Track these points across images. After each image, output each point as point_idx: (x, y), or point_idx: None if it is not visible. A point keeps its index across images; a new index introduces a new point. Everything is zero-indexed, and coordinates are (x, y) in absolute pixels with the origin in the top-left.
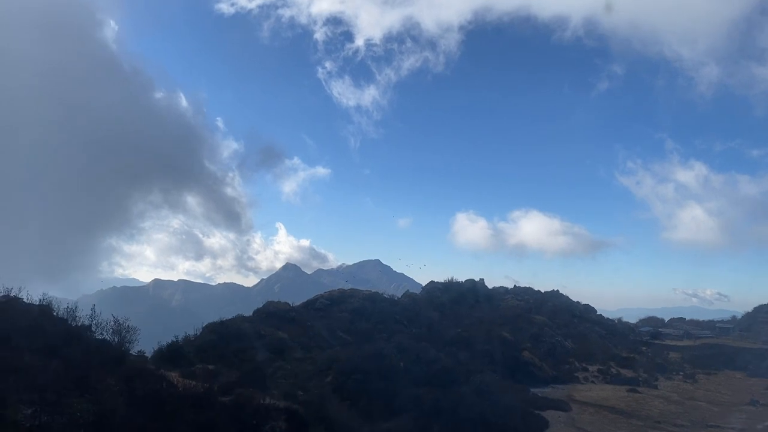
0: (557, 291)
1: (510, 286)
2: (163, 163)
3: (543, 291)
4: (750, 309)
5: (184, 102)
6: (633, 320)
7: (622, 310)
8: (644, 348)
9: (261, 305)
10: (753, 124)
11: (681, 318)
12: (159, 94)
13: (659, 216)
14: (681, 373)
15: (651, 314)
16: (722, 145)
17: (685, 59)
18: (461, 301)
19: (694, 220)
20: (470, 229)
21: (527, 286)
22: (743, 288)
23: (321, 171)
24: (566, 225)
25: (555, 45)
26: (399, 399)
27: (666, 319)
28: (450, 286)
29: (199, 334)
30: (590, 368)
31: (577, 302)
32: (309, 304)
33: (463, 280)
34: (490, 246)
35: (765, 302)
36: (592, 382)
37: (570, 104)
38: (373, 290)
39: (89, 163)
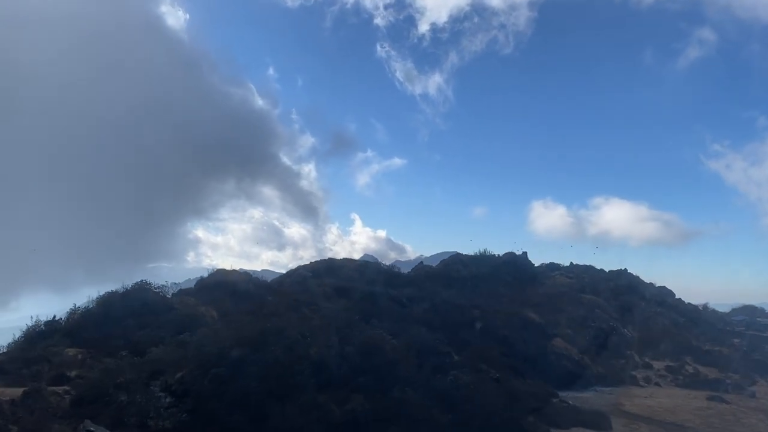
0: (625, 270)
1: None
2: (240, 154)
3: (607, 270)
4: None
5: (257, 95)
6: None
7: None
8: (737, 341)
9: None
10: None
11: None
12: (232, 87)
13: (756, 201)
14: None
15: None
16: None
17: None
18: (493, 277)
19: None
20: (548, 217)
21: (589, 264)
22: None
23: (394, 162)
24: (655, 212)
25: (633, 11)
26: (274, 412)
27: (766, 309)
28: (480, 259)
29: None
30: (655, 365)
31: (650, 283)
32: (286, 277)
33: (501, 254)
34: (571, 234)
35: None
36: (657, 384)
37: (651, 79)
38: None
39: (168, 154)
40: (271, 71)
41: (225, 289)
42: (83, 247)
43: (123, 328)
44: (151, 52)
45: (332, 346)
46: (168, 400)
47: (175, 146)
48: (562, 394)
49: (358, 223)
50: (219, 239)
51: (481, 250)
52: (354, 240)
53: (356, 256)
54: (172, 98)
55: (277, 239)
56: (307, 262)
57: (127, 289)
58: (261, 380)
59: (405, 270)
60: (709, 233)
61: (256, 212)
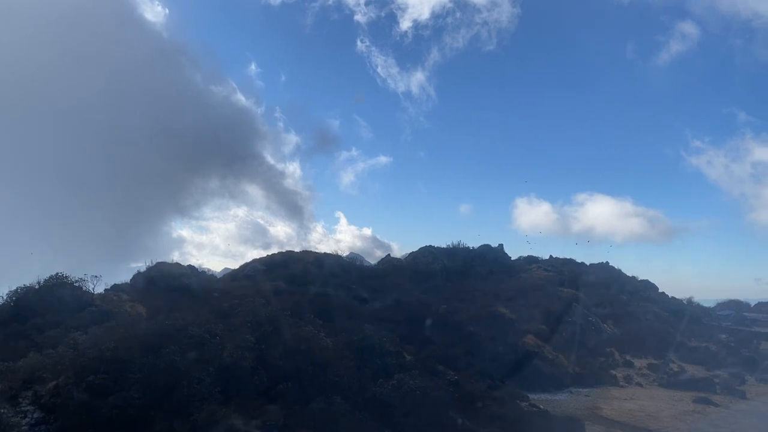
0: (606, 263)
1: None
2: (223, 153)
3: (588, 264)
4: None
5: (240, 93)
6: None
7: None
8: (724, 336)
9: None
10: None
11: None
12: (213, 83)
13: (739, 198)
14: None
15: None
16: None
17: (763, 17)
18: (466, 270)
19: None
20: (533, 213)
21: (569, 258)
22: None
23: (379, 159)
24: (639, 208)
25: (615, 5)
26: (160, 430)
27: (752, 304)
28: (453, 251)
29: None
30: (637, 363)
31: (633, 277)
32: (239, 271)
33: (476, 246)
34: (556, 230)
35: None
36: (638, 384)
37: (634, 74)
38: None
39: (149, 151)
40: (253, 68)
41: (164, 284)
42: (61, 245)
43: (31, 326)
44: (130, 46)
45: (249, 348)
46: (36, 415)
47: (157, 143)
48: (534, 397)
49: (343, 221)
50: (204, 238)
51: (455, 242)
52: (339, 238)
53: (342, 255)
54: (152, 94)
55: (261, 238)
56: (264, 255)
57: (40, 283)
58: (146, 390)
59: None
60: (693, 229)
61: (241, 211)
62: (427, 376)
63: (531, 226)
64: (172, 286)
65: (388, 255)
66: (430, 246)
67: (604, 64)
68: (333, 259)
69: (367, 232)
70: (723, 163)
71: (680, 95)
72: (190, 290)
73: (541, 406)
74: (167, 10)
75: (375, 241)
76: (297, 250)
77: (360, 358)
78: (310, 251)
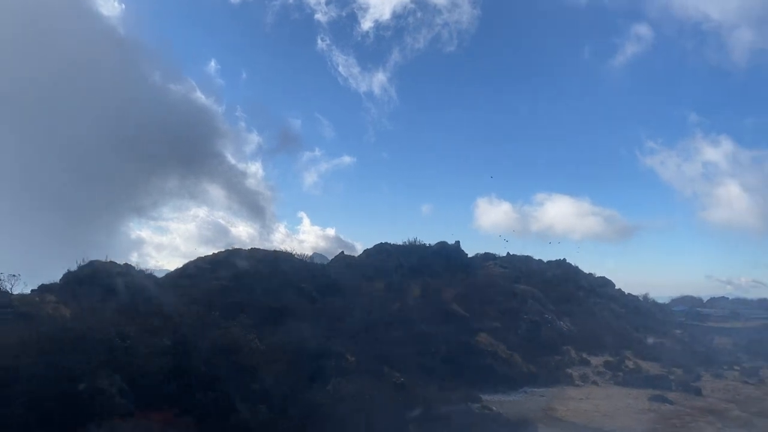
0: (563, 260)
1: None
2: (182, 152)
3: (546, 261)
4: None
5: (200, 91)
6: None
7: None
8: (678, 331)
9: None
10: None
11: (723, 297)
12: (172, 81)
13: (691, 197)
14: (736, 366)
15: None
16: (754, 118)
17: (713, 21)
18: (422, 267)
19: (725, 203)
20: (494, 213)
21: (527, 255)
22: None
23: (341, 160)
24: (596, 208)
25: (573, 7)
26: None
27: (704, 299)
28: (409, 249)
29: None
30: (593, 361)
31: (590, 273)
32: (183, 270)
33: (433, 243)
34: (516, 229)
35: None
36: (594, 383)
37: (591, 76)
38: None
39: (103, 149)
40: (213, 66)
41: (96, 284)
42: (9, 246)
43: None
44: (84, 41)
45: (164, 352)
46: None
47: (112, 142)
48: (487, 398)
49: (306, 221)
50: (164, 239)
51: (411, 240)
52: (302, 239)
53: (305, 254)
54: (107, 91)
55: (223, 239)
56: (210, 253)
57: None
58: (33, 405)
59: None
60: (648, 227)
61: (201, 211)
62: (369, 379)
63: (492, 225)
64: (106, 286)
65: (342, 253)
66: (386, 243)
67: (562, 65)
68: (282, 257)
69: (331, 232)
70: (675, 162)
71: (635, 96)
72: (125, 290)
73: (494, 408)
74: (123, 5)
75: (339, 242)
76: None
77: (296, 362)
78: (259, 249)
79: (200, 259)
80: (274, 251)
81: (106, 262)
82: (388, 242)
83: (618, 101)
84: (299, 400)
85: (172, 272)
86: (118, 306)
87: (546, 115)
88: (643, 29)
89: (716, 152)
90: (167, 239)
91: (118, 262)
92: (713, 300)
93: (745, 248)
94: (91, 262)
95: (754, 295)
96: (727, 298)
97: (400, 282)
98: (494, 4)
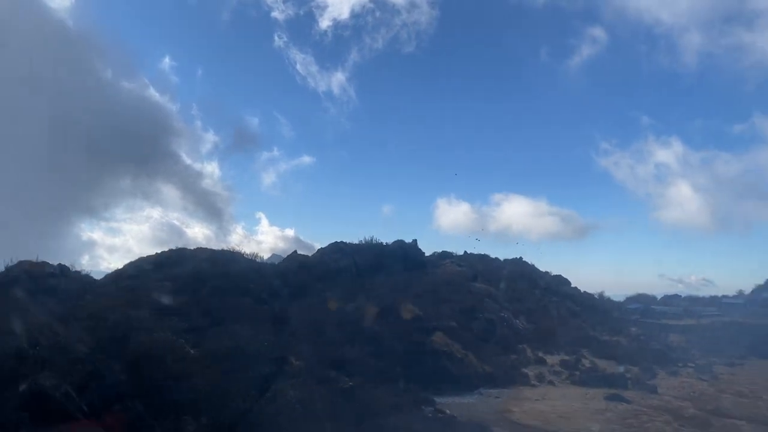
0: (520, 258)
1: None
2: (135, 151)
3: (502, 259)
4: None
5: (153, 88)
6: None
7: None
8: (634, 329)
9: None
10: (737, 97)
11: (676, 295)
12: (124, 78)
13: (644, 198)
14: (690, 364)
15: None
16: (703, 121)
17: (664, 25)
18: (379, 267)
19: (677, 203)
20: (453, 213)
21: (484, 253)
22: (727, 272)
23: (301, 160)
24: (553, 208)
25: (529, 9)
26: None
27: (658, 297)
28: (365, 247)
29: None
30: (549, 360)
31: (546, 272)
32: (123, 271)
33: (389, 242)
34: (475, 229)
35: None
36: (550, 382)
37: (547, 78)
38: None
39: (51, 147)
40: (167, 63)
41: (26, 285)
42: None
43: None
44: (32, 34)
45: (78, 360)
46: None
47: (61, 140)
48: (441, 400)
49: (265, 222)
50: (116, 240)
51: (367, 239)
52: (261, 240)
53: (264, 256)
54: (56, 87)
55: (178, 240)
56: (153, 253)
57: None
58: None
59: None
60: (604, 227)
61: (155, 212)
62: (314, 385)
63: (452, 225)
64: (38, 288)
65: (295, 252)
66: (341, 242)
67: (519, 66)
68: (230, 256)
69: (290, 233)
70: (629, 164)
71: (590, 98)
72: (56, 292)
73: (448, 411)
74: None
75: (298, 242)
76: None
77: (233, 368)
78: (205, 248)
79: (142, 260)
80: (221, 251)
81: (36, 262)
82: (344, 241)
83: (574, 102)
84: (232, 409)
85: (111, 273)
86: (40, 309)
87: (504, 116)
88: (598, 32)
89: (667, 154)
90: (120, 241)
91: (51, 263)
92: (666, 298)
93: (696, 247)
94: (20, 263)
95: (704, 293)
96: (680, 296)
97: (354, 281)
98: (453, 5)
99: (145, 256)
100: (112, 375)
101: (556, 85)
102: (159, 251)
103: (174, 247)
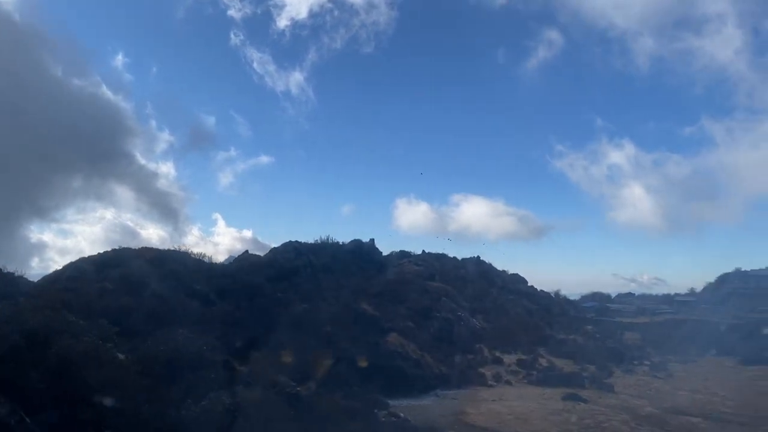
0: (478, 257)
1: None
2: (86, 151)
3: (460, 258)
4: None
5: (106, 86)
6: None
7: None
8: (590, 328)
9: None
10: (687, 100)
11: (630, 294)
12: (75, 74)
13: (598, 199)
14: (646, 362)
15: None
16: (655, 123)
17: (618, 28)
18: (335, 267)
19: (629, 204)
20: (412, 213)
21: (442, 252)
22: (679, 271)
23: (258, 159)
24: (510, 208)
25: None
26: None
27: (612, 296)
28: (321, 247)
29: None
30: (506, 359)
31: (504, 271)
32: (62, 272)
33: (347, 242)
34: (434, 230)
35: (723, 273)
36: (508, 382)
37: (505, 80)
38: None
39: (1, 148)
40: (120, 60)
41: None
42: None
43: None
44: None
45: None
46: None
47: (9, 138)
48: (395, 403)
49: (222, 223)
50: (68, 242)
51: (323, 238)
52: (217, 241)
53: (221, 258)
54: (2, 84)
55: (132, 242)
56: (94, 254)
57: None
58: None
59: None
60: (560, 227)
61: (108, 213)
62: (260, 390)
63: (411, 226)
64: None
65: (246, 251)
66: (295, 242)
67: (476, 68)
68: (177, 256)
69: (248, 234)
70: (583, 165)
71: (546, 100)
72: None
73: (402, 415)
74: None
75: (256, 243)
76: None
77: (167, 375)
78: (150, 248)
79: (82, 260)
80: (168, 250)
81: (137, 249)
82: (298, 240)
83: (530, 104)
84: (166, 420)
85: (49, 275)
86: None
87: (462, 117)
88: (554, 34)
89: (620, 155)
90: (72, 243)
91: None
92: (621, 296)
93: (648, 247)
94: (118, 249)
95: (656, 291)
96: (634, 294)
97: (309, 281)
98: (412, 6)
99: (86, 256)
100: (28, 384)
101: (513, 87)
102: (100, 251)
103: (117, 247)
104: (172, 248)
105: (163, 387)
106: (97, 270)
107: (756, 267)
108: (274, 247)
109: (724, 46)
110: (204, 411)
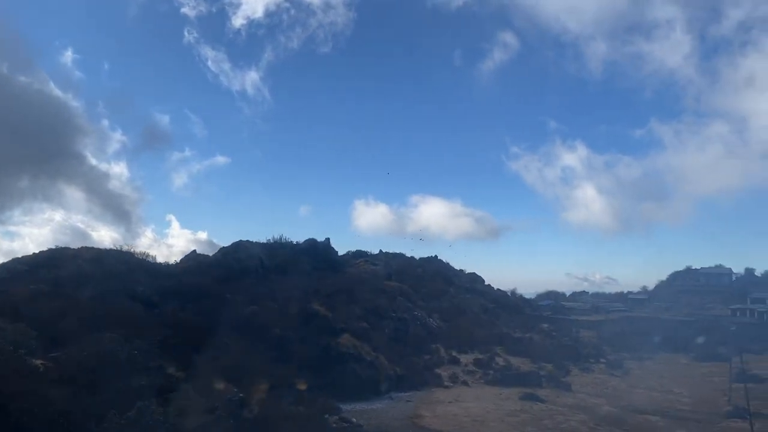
0: (435, 257)
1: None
2: (34, 150)
3: (418, 258)
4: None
5: (54, 84)
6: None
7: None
8: (546, 326)
9: None
10: (637, 103)
11: (584, 292)
12: (20, 71)
13: (552, 199)
14: (603, 359)
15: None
16: (606, 126)
17: (571, 33)
18: (288, 266)
19: (582, 205)
20: (371, 215)
21: (399, 252)
22: (630, 270)
23: (214, 159)
24: (468, 209)
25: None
26: None
27: (567, 294)
28: (273, 247)
29: None
30: (463, 359)
31: (461, 270)
32: None
33: (301, 241)
34: (393, 230)
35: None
36: (464, 383)
37: (461, 82)
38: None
39: None
40: (70, 57)
41: None
42: None
43: None
44: None
45: None
46: None
47: None
48: (348, 407)
49: (176, 225)
50: (15, 245)
51: (276, 237)
52: (172, 243)
53: (174, 260)
54: None
55: (82, 244)
56: (29, 254)
57: None
58: None
59: None
60: (516, 227)
61: (57, 215)
62: (197, 398)
63: (370, 227)
64: None
65: (194, 251)
66: (246, 241)
67: (434, 69)
68: (119, 256)
69: (203, 235)
70: (538, 167)
71: (501, 102)
72: None
73: (354, 420)
74: None
75: (211, 245)
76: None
77: (91, 383)
78: (90, 248)
79: (16, 260)
80: (109, 250)
81: (76, 248)
82: (250, 240)
83: (486, 106)
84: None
85: None
86: None
87: (419, 118)
88: (509, 37)
89: (573, 157)
90: (19, 245)
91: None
92: (575, 294)
93: (600, 246)
94: (56, 249)
95: (608, 290)
96: (587, 292)
97: (261, 282)
98: (369, 7)
99: (19, 256)
100: None
101: (470, 88)
102: (36, 252)
103: (54, 247)
104: (114, 248)
105: (85, 396)
106: (30, 271)
107: (705, 265)
108: (224, 247)
109: (673, 50)
110: (129, 423)
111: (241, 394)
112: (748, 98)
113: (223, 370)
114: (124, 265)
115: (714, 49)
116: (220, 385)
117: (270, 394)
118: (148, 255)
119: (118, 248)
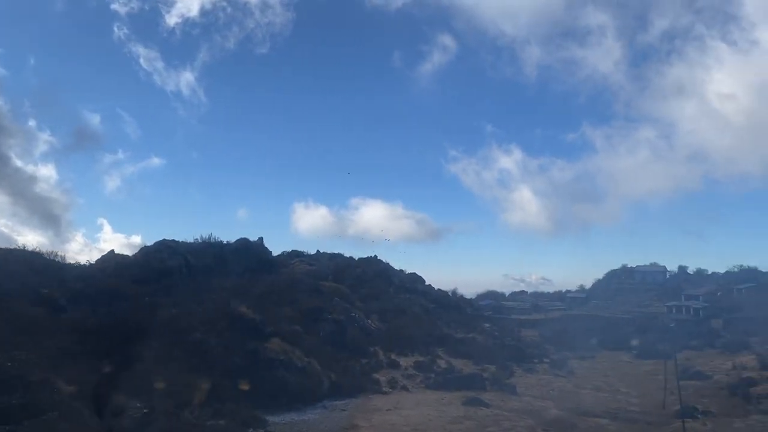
0: (375, 257)
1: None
2: None
3: (357, 258)
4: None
5: None
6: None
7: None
8: (488, 326)
9: None
10: (571, 108)
11: (523, 292)
12: None
13: (490, 202)
14: (546, 359)
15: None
16: (541, 129)
17: (507, 37)
18: (217, 268)
19: (518, 207)
20: (311, 217)
21: (337, 252)
22: (566, 270)
23: (148, 161)
24: (408, 212)
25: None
26: None
27: (507, 294)
28: (201, 247)
29: None
30: (403, 362)
31: (401, 270)
32: None
33: (231, 241)
34: (334, 233)
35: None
36: (404, 388)
37: (400, 84)
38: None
39: None
40: None
41: None
42: None
43: None
44: None
45: None
46: None
47: None
48: (276, 419)
49: (108, 228)
50: None
51: (204, 236)
52: (104, 248)
53: (88, 260)
54: None
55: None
56: None
57: None
58: None
59: None
60: (456, 230)
61: None
62: (88, 416)
63: (310, 229)
64: None
65: (112, 251)
66: (170, 240)
67: (373, 71)
68: (21, 256)
69: (136, 239)
70: (475, 170)
71: (440, 105)
72: None
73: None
74: None
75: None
76: None
77: None
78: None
79: None
80: (11, 249)
81: None
82: (175, 239)
83: (425, 108)
84: None
85: None
86: None
87: (359, 120)
88: (447, 39)
89: (509, 160)
90: None
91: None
92: (514, 294)
93: (535, 248)
94: None
95: (543, 290)
96: (526, 292)
97: (186, 283)
98: (308, 7)
99: None
100: None
101: (408, 91)
102: None
103: None
104: (15, 247)
105: None
106: None
107: (640, 264)
108: (145, 247)
109: (604, 57)
110: None
111: (145, 410)
112: (675, 105)
113: (129, 381)
114: (27, 267)
115: (642, 57)
116: (121, 399)
117: (184, 407)
118: (56, 254)
119: (20, 248)
